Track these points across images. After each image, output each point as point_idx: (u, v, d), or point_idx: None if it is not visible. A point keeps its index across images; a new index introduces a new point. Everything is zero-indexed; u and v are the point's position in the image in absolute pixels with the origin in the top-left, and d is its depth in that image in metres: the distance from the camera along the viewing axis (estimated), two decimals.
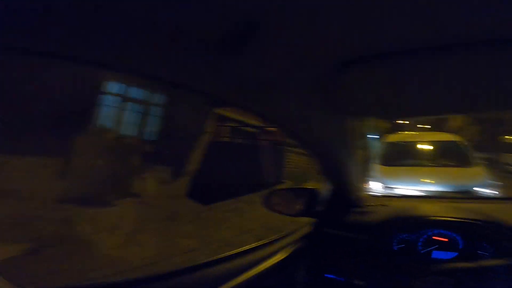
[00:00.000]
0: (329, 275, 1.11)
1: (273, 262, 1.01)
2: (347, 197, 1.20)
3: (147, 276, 0.75)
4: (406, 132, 6.37)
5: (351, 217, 1.18)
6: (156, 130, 6.62)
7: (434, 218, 1.01)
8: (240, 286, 0.84)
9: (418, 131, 8.44)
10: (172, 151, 6.10)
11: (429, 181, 3.98)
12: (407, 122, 18.46)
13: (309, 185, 1.25)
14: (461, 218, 0.99)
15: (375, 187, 4.25)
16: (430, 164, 4.55)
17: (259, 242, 1.09)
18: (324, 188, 1.23)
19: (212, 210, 5.30)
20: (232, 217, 5.00)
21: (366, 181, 4.56)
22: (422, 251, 1.04)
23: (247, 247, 1.03)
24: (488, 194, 3.59)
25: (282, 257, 1.05)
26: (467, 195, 3.40)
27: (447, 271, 0.93)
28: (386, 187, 4.10)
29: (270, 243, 1.12)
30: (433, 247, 1.02)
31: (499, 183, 3.91)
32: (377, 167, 4.81)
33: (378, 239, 1.04)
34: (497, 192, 3.67)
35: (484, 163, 4.51)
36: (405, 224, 1.03)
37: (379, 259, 1.06)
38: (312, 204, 1.19)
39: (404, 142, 5.38)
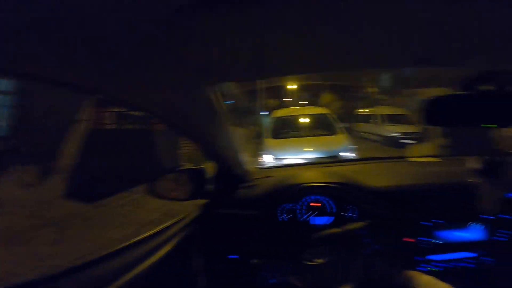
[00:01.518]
0: (232, 256, 1.09)
1: (165, 251, 0.93)
2: (233, 173, 1.19)
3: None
4: (290, 108, 7.19)
5: (239, 194, 1.18)
6: (9, 124, 5.05)
7: (310, 184, 1.08)
8: (133, 280, 0.77)
9: (299, 106, 9.68)
10: (35, 146, 4.89)
11: (308, 149, 4.64)
12: (291, 99, 21.04)
13: (197, 166, 1.17)
14: (330, 183, 1.09)
15: (267, 159, 4.64)
16: (308, 134, 5.31)
17: (145, 234, 0.97)
18: (211, 167, 1.18)
19: (101, 208, 4.56)
20: (128, 212, 4.44)
21: (260, 155, 4.95)
22: (304, 219, 1.12)
23: (132, 240, 0.91)
24: (350, 156, 4.49)
25: (172, 245, 0.98)
26: (336, 159, 4.15)
27: (324, 239, 1.02)
28: (276, 158, 4.54)
29: (159, 232, 1.01)
30: (312, 214, 1.11)
31: (355, 146, 4.94)
32: (267, 141, 5.25)
33: (265, 212, 1.06)
34: (355, 154, 4.66)
35: (345, 131, 5.60)
36: (287, 193, 1.08)
37: (268, 232, 1.08)
38: (201, 185, 1.14)
39: (288, 116, 6.04)
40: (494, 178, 0.86)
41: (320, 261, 0.98)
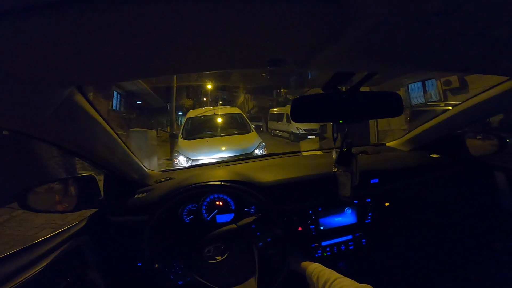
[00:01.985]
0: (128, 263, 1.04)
1: (49, 260, 0.83)
2: (127, 180, 1.14)
3: None
4: (204, 108, 7.14)
5: (134, 199, 1.12)
6: None
7: (208, 183, 1.09)
8: None
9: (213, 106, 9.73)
10: None
11: (222, 148, 4.69)
12: (206, 100, 20.84)
13: (84, 174, 1.06)
14: (227, 181, 1.11)
15: (182, 160, 4.49)
16: (222, 134, 5.39)
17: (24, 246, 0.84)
18: (102, 174, 1.09)
19: None
20: (6, 231, 3.62)
21: (174, 156, 4.73)
22: (208, 218, 1.14)
23: (10, 252, 0.80)
24: (260, 153, 4.77)
25: (58, 255, 0.88)
26: (247, 157, 4.31)
27: (221, 236, 1.06)
28: (191, 160, 4.43)
29: (42, 242, 0.90)
30: (214, 213, 1.14)
31: (264, 144, 5.24)
32: (181, 142, 5.08)
33: (165, 215, 1.03)
34: (264, 151, 4.96)
35: (258, 130, 5.92)
36: (187, 194, 1.06)
37: (170, 235, 1.06)
38: (90, 194, 1.04)
39: (202, 116, 5.98)
40: (346, 167, 0.98)
41: (219, 258, 1.05)
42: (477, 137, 1.50)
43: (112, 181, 1.10)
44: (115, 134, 0.92)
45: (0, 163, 4.51)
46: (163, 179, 1.25)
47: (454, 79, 7.78)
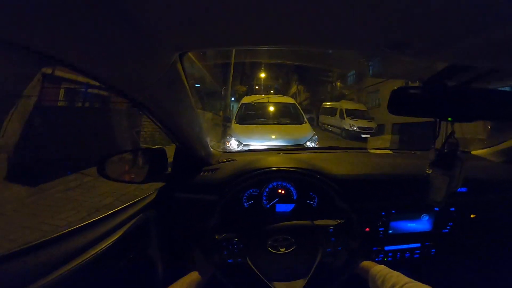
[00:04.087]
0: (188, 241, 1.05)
1: (115, 238, 0.85)
2: (195, 156, 1.14)
3: None
4: (258, 95, 7.19)
5: (200, 177, 1.12)
6: None
7: (273, 168, 1.06)
8: (79, 267, 0.70)
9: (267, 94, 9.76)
10: None
11: (274, 136, 4.68)
12: (258, 88, 21.02)
13: (156, 147, 1.08)
14: (294, 168, 1.07)
15: (234, 144, 4.62)
16: (275, 122, 5.36)
17: (96, 217, 0.88)
18: (172, 148, 1.11)
19: (47, 192, 4.10)
20: (77, 196, 4.06)
21: (227, 140, 4.90)
22: (268, 206, 1.11)
23: (82, 224, 0.82)
24: (313, 146, 4.64)
25: (124, 231, 0.89)
26: (308, 147, 4.26)
27: (291, 230, 1.02)
28: (242, 144, 4.53)
29: (113, 214, 0.93)
30: (275, 201, 1.11)
31: (317, 136, 5.11)
32: (235, 126, 5.21)
33: (228, 197, 1.02)
34: (317, 144, 4.83)
35: (309, 122, 5.78)
36: (250, 178, 1.04)
37: (231, 218, 1.04)
38: (159, 167, 1.06)
39: (256, 103, 6.03)
40: (445, 171, 0.87)
41: (283, 250, 1.00)
42: None
43: (181, 155, 1.12)
44: (195, 109, 0.94)
45: (79, 132, 5.20)
46: (225, 160, 1.25)
47: None
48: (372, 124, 11.08)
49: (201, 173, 1.14)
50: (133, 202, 1.04)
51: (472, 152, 1.57)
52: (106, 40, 0.44)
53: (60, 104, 6.77)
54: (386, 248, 1.12)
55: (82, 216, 3.39)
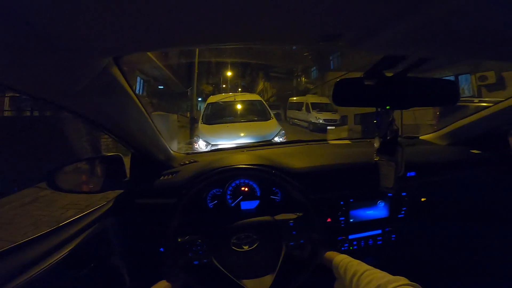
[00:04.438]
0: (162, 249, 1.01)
1: (73, 246, 0.82)
2: (154, 161, 1.12)
3: None
4: (224, 94, 7.14)
5: (160, 181, 1.10)
6: None
7: (235, 167, 1.06)
8: (40, 276, 0.69)
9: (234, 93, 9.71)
10: None
11: (242, 134, 4.70)
12: (225, 86, 20.89)
13: (111, 154, 1.04)
14: (256, 165, 1.07)
15: (201, 145, 4.55)
16: (242, 120, 5.38)
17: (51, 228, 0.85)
18: (128, 155, 1.08)
19: (2, 208, 3.77)
20: (33, 211, 3.77)
21: (194, 141, 4.81)
22: (232, 204, 1.10)
23: (35, 236, 0.80)
24: (280, 141, 4.71)
25: (83, 239, 0.87)
26: (271, 142, 4.30)
27: (253, 226, 1.02)
28: (211, 144, 4.48)
29: (68, 225, 0.90)
30: (239, 199, 1.10)
31: (284, 131, 5.19)
32: (202, 127, 5.14)
33: (190, 199, 1.00)
34: (284, 139, 4.93)
35: (277, 118, 5.87)
36: (212, 178, 1.03)
37: (195, 219, 1.03)
38: (117, 174, 1.02)
39: (222, 102, 6.00)
40: (390, 157, 0.91)
41: (246, 247, 1.00)
42: None
43: (138, 161, 1.09)
44: (146, 113, 0.90)
45: (30, 144, 4.77)
46: (187, 162, 1.22)
47: (490, 74, 7.24)
48: (336, 116, 11.61)
49: (161, 177, 1.11)
50: (89, 212, 1.00)
51: (420, 137, 1.66)
52: (7, 46, 0.41)
53: (6, 114, 6.15)
54: (350, 237, 1.14)
55: (43, 231, 3.13)
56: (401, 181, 1.14)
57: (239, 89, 20.42)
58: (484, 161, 1.32)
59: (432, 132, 1.63)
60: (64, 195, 3.95)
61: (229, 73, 20.52)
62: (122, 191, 1.10)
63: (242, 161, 1.10)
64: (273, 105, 17.62)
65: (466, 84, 8.16)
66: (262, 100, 6.21)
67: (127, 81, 0.74)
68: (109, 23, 0.41)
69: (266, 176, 1.06)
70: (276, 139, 4.72)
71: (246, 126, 5.05)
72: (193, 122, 6.85)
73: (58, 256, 0.77)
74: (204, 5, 0.39)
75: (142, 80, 11.18)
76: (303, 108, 13.25)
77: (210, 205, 1.11)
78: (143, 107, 0.88)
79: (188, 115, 10.73)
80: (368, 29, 0.48)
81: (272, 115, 5.67)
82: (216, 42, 0.57)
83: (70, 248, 0.81)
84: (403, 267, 1.22)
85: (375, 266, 1.19)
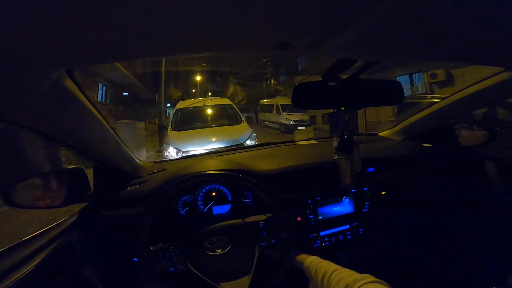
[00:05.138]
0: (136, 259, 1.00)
1: (38, 260, 0.79)
2: (119, 172, 1.09)
3: None
4: (193, 99, 7.04)
5: (127, 192, 1.07)
6: None
7: (204, 173, 1.06)
8: None
9: (203, 97, 9.59)
10: None
11: (214, 139, 4.65)
12: (195, 91, 20.59)
13: (72, 166, 1.00)
14: (224, 170, 1.08)
15: (172, 152, 4.43)
16: (213, 125, 5.33)
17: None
18: (92, 166, 1.05)
19: None
20: None
21: (164, 148, 4.67)
22: (204, 210, 1.11)
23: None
24: (251, 144, 4.75)
25: (49, 253, 0.84)
26: (240, 147, 4.32)
27: (224, 230, 1.03)
28: (181, 151, 4.37)
29: (30, 240, 0.86)
30: (210, 204, 1.11)
31: (255, 134, 5.22)
32: (171, 133, 5.01)
33: (158, 208, 1.00)
34: (256, 142, 4.94)
35: (249, 121, 5.90)
36: (182, 185, 1.03)
37: (166, 227, 1.02)
38: (79, 187, 0.98)
39: (191, 107, 5.90)
40: (347, 155, 0.96)
41: (219, 251, 1.02)
42: (473, 128, 1.53)
43: (102, 173, 1.05)
44: (105, 123, 0.88)
45: None
46: (156, 170, 1.20)
47: (440, 72, 7.93)
48: (305, 117, 11.95)
49: (128, 188, 1.09)
50: (53, 226, 0.96)
51: (379, 134, 1.76)
52: None
53: None
54: (321, 233, 1.18)
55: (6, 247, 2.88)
56: (362, 177, 1.23)
57: (210, 94, 20.24)
58: (434, 153, 1.43)
59: (390, 129, 1.73)
60: (26, 210, 3.65)
61: (198, 78, 20.24)
62: (86, 204, 1.06)
63: (212, 166, 1.11)
64: (244, 108, 17.73)
65: (420, 82, 8.86)
66: (233, 104, 6.21)
67: (83, 93, 0.71)
68: (54, 36, 0.40)
69: (234, 180, 1.07)
70: (248, 142, 4.73)
71: (217, 131, 5.00)
72: (162, 129, 6.65)
73: (24, 271, 0.74)
74: (159, 18, 0.39)
75: (105, 87, 10.62)
76: (274, 110, 13.46)
77: (182, 212, 1.11)
78: (103, 118, 0.86)
79: (157, 121, 10.39)
80: (317, 36, 0.51)
81: (243, 118, 5.69)
82: (170, 53, 0.57)
83: (37, 262, 0.78)
84: (373, 260, 1.30)
85: (348, 260, 1.24)
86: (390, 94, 0.85)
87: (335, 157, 1.01)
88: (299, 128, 10.93)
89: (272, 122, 13.68)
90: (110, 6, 0.35)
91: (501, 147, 1.52)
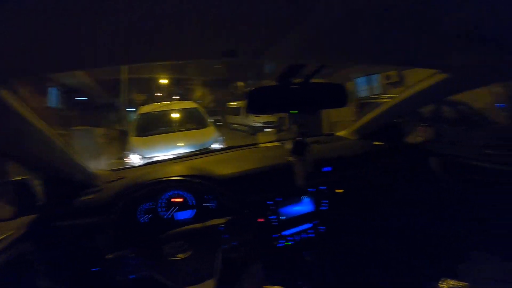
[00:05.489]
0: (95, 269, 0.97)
1: None
2: (70, 182, 1.04)
3: None
4: (157, 103, 6.80)
5: (80, 202, 1.03)
6: None
7: (164, 179, 1.05)
8: None
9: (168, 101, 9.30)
10: None
11: (179, 144, 4.54)
12: (161, 94, 19.89)
13: (17, 178, 0.93)
14: (184, 176, 1.08)
15: (135, 159, 4.22)
16: (178, 129, 5.19)
17: None
18: (40, 177, 0.98)
19: None
20: None
21: (126, 155, 4.43)
22: (167, 216, 1.09)
23: None
24: (218, 147, 4.68)
25: None
26: (204, 151, 4.23)
27: (184, 234, 1.02)
28: (145, 157, 4.18)
29: None
30: (172, 210, 1.09)
31: (223, 138, 5.19)
32: (133, 140, 4.78)
33: (116, 216, 0.97)
34: (224, 145, 4.91)
35: (215, 124, 5.83)
36: (141, 192, 1.02)
37: (129, 236, 1.00)
38: (27, 199, 0.93)
39: (155, 112, 5.68)
40: (300, 156, 1.00)
41: (181, 256, 1.01)
42: (422, 125, 1.66)
43: (52, 183, 1.00)
44: (51, 133, 0.84)
45: None
46: (113, 179, 1.17)
47: (393, 74, 8.60)
48: (273, 118, 12.08)
49: (81, 198, 1.05)
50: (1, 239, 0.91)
51: (336, 134, 1.85)
52: None
53: None
54: (284, 233, 1.20)
55: None
56: (319, 176, 1.28)
57: (177, 97, 19.66)
58: (385, 151, 1.53)
59: (346, 129, 1.81)
60: None
61: (164, 81, 19.53)
62: (36, 215, 1.00)
63: (172, 173, 1.10)
64: (212, 111, 17.49)
65: (376, 83, 9.50)
66: (199, 107, 6.11)
67: (23, 103, 0.68)
68: None
69: (194, 186, 1.07)
70: (215, 146, 4.68)
71: (183, 136, 4.89)
72: (124, 135, 6.31)
73: None
74: (100, 26, 0.38)
75: (56, 91, 9.79)
76: (241, 112, 13.48)
77: (144, 219, 1.08)
78: (47, 127, 0.81)
79: (118, 127, 9.84)
80: (260, 43, 0.53)
81: (209, 122, 5.61)
82: (116, 62, 0.56)
83: None
84: (336, 257, 1.35)
85: (313, 258, 1.26)
86: (336, 97, 0.90)
87: (290, 159, 1.04)
88: (265, 129, 11.08)
89: (241, 124, 13.69)
90: (47, 20, 0.34)
91: (445, 143, 1.68)
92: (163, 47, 0.50)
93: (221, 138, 5.04)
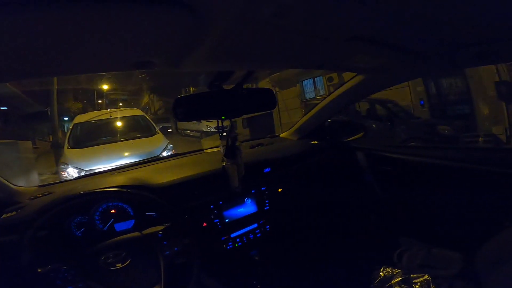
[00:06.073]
0: None
1: None
2: None
3: None
4: (96, 111, 6.27)
5: (2, 219, 0.97)
6: None
7: (90, 191, 1.00)
8: None
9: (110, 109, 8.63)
10: None
11: (125, 154, 4.26)
12: (101, 102, 18.33)
13: None
14: (118, 187, 1.05)
15: (71, 173, 3.84)
16: (122, 139, 4.87)
17: None
18: None
19: None
20: None
21: (61, 169, 4.00)
22: (105, 228, 1.04)
23: None
24: (167, 155, 4.52)
25: None
26: (147, 160, 4.02)
27: (122, 244, 0.99)
28: (83, 170, 3.84)
29: None
30: (110, 222, 1.05)
31: (172, 145, 4.98)
32: (69, 152, 4.35)
33: (50, 231, 0.93)
34: (173, 152, 4.73)
35: (165, 131, 5.59)
36: (70, 205, 0.96)
37: (62, 249, 0.96)
38: None
39: (95, 121, 5.24)
40: (233, 160, 1.04)
41: (119, 265, 0.98)
42: (351, 124, 1.82)
43: None
44: None
45: None
46: (40, 195, 1.09)
47: (335, 75, 9.28)
48: (226, 123, 12.12)
49: (2, 216, 0.98)
50: None
51: (280, 135, 1.94)
52: None
53: None
54: (232, 235, 1.22)
55: None
56: (259, 177, 1.33)
57: (121, 104, 18.33)
58: (320, 149, 1.65)
59: (289, 129, 1.91)
60: None
61: (105, 87, 18.03)
62: None
63: (109, 184, 1.07)
64: (162, 118, 16.74)
65: (320, 85, 10.18)
66: (145, 115, 5.82)
67: None
68: None
69: (128, 196, 1.05)
70: (164, 154, 4.50)
71: (129, 145, 4.61)
72: (57, 147, 5.67)
73: None
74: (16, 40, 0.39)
75: None
76: None
77: (77, 233, 1.04)
78: None
79: (51, 139, 8.76)
80: (174, 54, 0.55)
81: (157, 129, 5.40)
82: (33, 75, 0.53)
83: None
84: (282, 253, 1.40)
85: (260, 257, 1.29)
86: (264, 101, 0.96)
87: (224, 163, 1.07)
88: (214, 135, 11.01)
89: (193, 130, 13.37)
90: None
91: (373, 138, 1.88)
92: (76, 60, 0.50)
93: (170, 145, 4.86)
